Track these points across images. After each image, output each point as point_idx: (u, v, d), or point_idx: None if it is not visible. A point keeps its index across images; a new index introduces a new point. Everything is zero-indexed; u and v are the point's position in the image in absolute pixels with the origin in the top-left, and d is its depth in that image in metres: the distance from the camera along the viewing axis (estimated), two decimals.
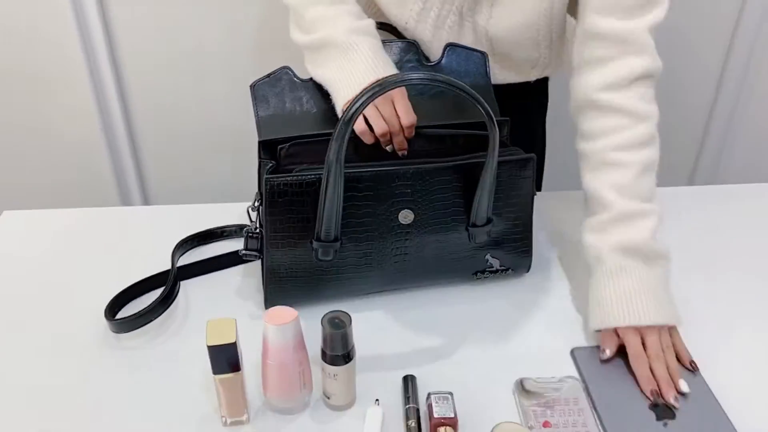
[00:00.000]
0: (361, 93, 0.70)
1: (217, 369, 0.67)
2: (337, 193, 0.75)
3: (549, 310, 0.87)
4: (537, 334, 0.83)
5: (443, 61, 0.94)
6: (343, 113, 0.71)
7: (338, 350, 0.69)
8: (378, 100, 0.81)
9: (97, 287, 0.88)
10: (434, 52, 0.95)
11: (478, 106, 0.72)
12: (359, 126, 0.81)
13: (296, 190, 0.77)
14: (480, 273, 0.89)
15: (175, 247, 0.93)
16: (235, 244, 0.96)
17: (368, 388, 0.75)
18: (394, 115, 0.81)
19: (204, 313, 0.86)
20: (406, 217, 0.80)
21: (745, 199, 1.10)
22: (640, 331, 0.77)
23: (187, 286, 0.90)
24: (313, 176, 0.77)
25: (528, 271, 0.92)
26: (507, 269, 0.90)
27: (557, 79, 1.09)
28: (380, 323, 0.85)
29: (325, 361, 0.70)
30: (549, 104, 1.16)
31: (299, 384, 0.70)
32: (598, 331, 0.81)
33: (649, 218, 0.81)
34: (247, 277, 0.92)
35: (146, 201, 1.72)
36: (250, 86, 0.90)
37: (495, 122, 0.73)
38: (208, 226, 0.98)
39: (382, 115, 0.80)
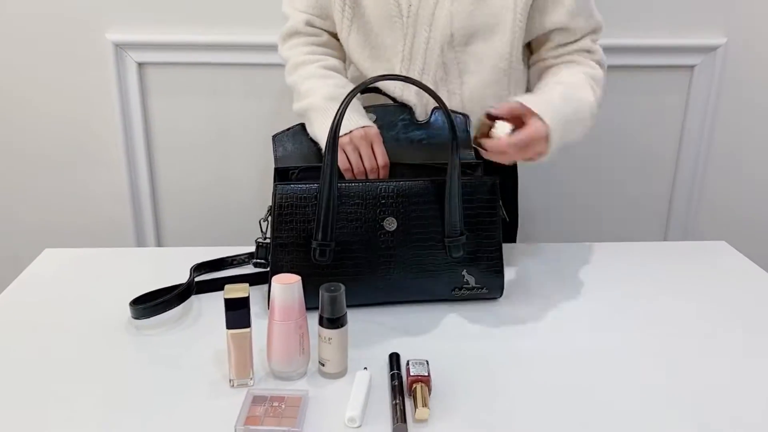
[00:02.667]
0: (341, 102, 0.90)
1: (230, 323, 0.79)
2: (332, 197, 0.92)
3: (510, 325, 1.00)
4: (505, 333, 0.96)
5: (431, 119, 1.14)
6: (331, 126, 0.90)
7: (333, 313, 0.81)
8: (360, 143, 1.02)
9: (123, 299, 0.99)
10: (422, 111, 1.15)
11: (437, 101, 0.92)
12: (342, 163, 1.01)
13: (301, 195, 0.94)
14: (458, 289, 1.01)
15: (192, 267, 1.07)
16: (244, 270, 1.11)
17: (359, 364, 0.86)
18: (372, 156, 1.02)
19: (214, 314, 0.98)
20: (390, 223, 0.95)
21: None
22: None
23: (200, 297, 1.04)
24: (314, 186, 0.94)
25: (501, 294, 1.04)
26: (482, 288, 1.02)
27: None
28: (372, 321, 0.97)
29: (322, 326, 0.82)
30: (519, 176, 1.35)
31: (299, 348, 0.82)
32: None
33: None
34: (254, 290, 1.05)
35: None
36: (273, 136, 1.10)
37: (454, 122, 0.92)
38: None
39: (361, 156, 1.01)
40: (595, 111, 1.12)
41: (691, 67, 1.73)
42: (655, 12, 1.68)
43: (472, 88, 1.15)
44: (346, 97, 0.91)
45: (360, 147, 1.03)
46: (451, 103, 1.17)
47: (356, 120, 1.05)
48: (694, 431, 0.76)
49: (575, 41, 1.16)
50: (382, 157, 1.03)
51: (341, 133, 1.03)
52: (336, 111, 0.91)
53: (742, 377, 0.86)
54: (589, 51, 1.17)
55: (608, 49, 1.65)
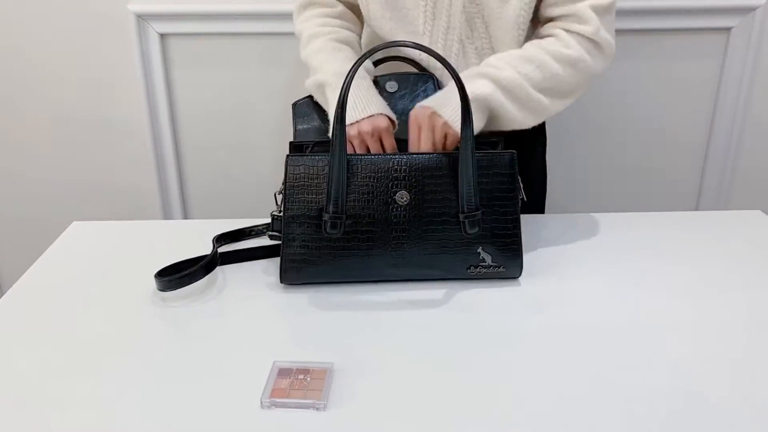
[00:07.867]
0: (347, 74, 0.89)
1: None
2: (342, 169, 0.91)
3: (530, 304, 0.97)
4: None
5: None
6: (339, 96, 0.89)
7: None
8: (368, 138, 1.01)
9: (149, 271, 1.00)
10: (447, 79, 1.12)
11: (446, 68, 0.89)
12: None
13: (312, 166, 0.94)
14: (473, 267, 0.97)
15: (213, 238, 1.07)
16: (262, 241, 1.11)
17: (372, 340, 0.86)
18: (381, 152, 1.00)
19: (238, 286, 0.99)
20: (402, 197, 0.93)
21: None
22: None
23: (223, 269, 1.04)
24: (326, 158, 0.93)
25: (520, 274, 1.00)
26: (499, 266, 0.97)
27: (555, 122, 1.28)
28: (383, 297, 0.96)
29: None
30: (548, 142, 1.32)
31: None
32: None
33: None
34: (270, 262, 1.05)
35: None
36: (292, 104, 1.08)
37: (465, 87, 0.89)
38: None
39: (369, 151, 0.99)
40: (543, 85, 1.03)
41: (727, 29, 1.66)
42: None
43: (500, 43, 1.09)
44: (352, 67, 0.89)
45: (369, 143, 1.01)
46: (481, 62, 1.13)
47: (363, 107, 1.02)
48: (730, 406, 0.74)
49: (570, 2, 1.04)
50: (391, 151, 1.01)
51: (349, 122, 1.01)
52: (342, 85, 0.89)
53: None
54: (579, 20, 1.03)
55: (637, 12, 1.62)
